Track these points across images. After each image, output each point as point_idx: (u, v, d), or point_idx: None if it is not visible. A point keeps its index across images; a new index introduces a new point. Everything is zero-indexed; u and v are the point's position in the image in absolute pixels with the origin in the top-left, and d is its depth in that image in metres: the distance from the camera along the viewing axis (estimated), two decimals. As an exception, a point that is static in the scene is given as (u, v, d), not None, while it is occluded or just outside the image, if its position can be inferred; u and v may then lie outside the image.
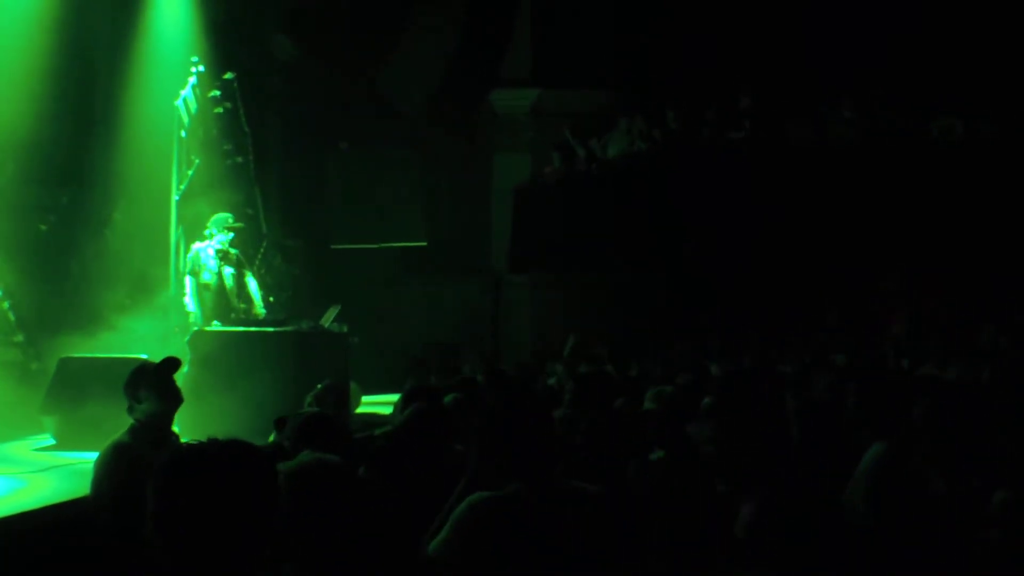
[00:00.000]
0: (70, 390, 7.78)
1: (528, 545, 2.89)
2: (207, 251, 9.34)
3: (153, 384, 4.52)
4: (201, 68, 10.34)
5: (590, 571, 2.93)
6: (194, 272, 9.29)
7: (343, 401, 6.70)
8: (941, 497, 3.36)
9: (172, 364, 4.69)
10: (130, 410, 4.52)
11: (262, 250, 11.56)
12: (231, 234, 9.44)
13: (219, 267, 9.35)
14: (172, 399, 4.57)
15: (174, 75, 10.33)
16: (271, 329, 8.96)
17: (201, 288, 9.27)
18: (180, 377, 4.76)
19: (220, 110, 10.90)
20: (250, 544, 2.02)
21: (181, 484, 2.00)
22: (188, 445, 2.10)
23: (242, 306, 9.60)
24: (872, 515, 3.49)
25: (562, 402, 6.20)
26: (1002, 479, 3.36)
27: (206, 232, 9.44)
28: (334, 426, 4.27)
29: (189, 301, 9.31)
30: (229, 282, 9.42)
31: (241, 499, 2.01)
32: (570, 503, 3.01)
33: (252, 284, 9.69)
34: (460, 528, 2.94)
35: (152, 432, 4.43)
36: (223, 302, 9.36)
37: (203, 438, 2.12)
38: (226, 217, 9.61)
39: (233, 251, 9.45)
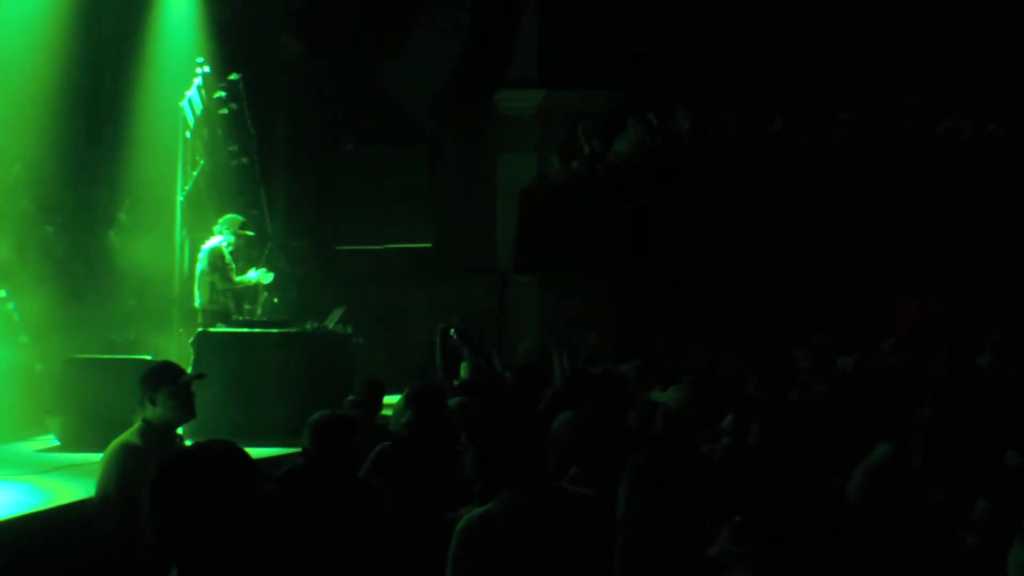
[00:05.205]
0: (75, 391, 7.77)
1: (524, 555, 2.86)
2: (227, 251, 9.25)
3: (175, 393, 4.48)
4: (207, 69, 10.34)
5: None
6: (219, 270, 9.13)
7: (379, 399, 6.83)
8: (938, 505, 3.33)
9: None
10: (142, 406, 4.47)
11: (267, 251, 11.55)
12: (233, 237, 9.38)
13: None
14: (188, 413, 4.54)
15: (180, 76, 10.33)
16: (276, 330, 8.95)
17: (221, 289, 9.15)
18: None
19: (225, 111, 10.89)
20: (239, 545, 2.08)
21: (171, 488, 2.09)
22: (180, 451, 2.24)
23: (247, 307, 9.58)
24: (868, 516, 3.46)
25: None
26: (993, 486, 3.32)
27: (215, 229, 9.39)
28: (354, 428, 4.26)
29: (200, 298, 9.19)
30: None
31: (228, 502, 2.08)
32: (564, 508, 2.98)
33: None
34: (457, 555, 2.91)
35: (159, 434, 4.42)
36: (232, 303, 9.32)
37: (205, 440, 2.19)
38: (238, 219, 9.56)
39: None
